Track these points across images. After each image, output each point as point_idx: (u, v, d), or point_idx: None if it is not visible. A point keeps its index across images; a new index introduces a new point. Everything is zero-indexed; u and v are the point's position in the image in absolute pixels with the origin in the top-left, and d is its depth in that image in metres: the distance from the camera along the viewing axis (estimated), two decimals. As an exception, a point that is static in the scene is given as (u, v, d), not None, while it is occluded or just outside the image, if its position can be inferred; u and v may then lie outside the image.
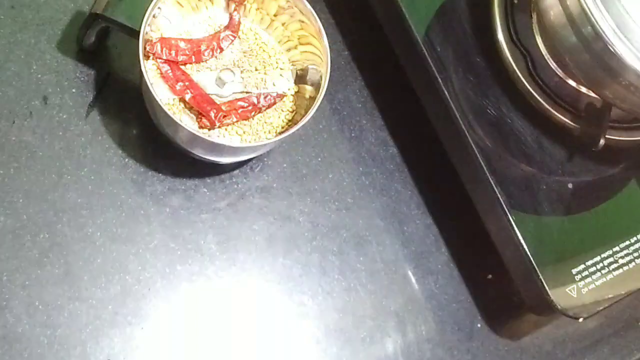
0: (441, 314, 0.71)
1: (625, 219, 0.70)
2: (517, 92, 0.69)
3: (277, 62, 0.67)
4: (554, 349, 0.73)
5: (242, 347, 0.65)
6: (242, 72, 0.65)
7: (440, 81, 0.67)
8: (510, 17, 0.69)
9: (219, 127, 0.63)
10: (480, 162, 0.66)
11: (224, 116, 0.62)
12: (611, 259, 0.67)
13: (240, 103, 0.64)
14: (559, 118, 0.68)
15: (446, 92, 0.67)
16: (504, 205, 0.65)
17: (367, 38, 0.75)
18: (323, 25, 0.62)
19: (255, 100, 0.64)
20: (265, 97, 0.65)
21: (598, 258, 0.67)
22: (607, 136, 0.67)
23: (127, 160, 0.65)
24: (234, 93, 0.65)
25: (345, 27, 0.75)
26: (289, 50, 0.67)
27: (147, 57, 0.61)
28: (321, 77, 0.62)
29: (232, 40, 0.65)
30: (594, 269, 0.66)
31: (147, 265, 0.63)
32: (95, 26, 0.62)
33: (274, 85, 0.66)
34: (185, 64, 0.63)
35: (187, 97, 0.62)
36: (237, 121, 0.64)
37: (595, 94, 0.67)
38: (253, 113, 0.64)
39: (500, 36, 0.69)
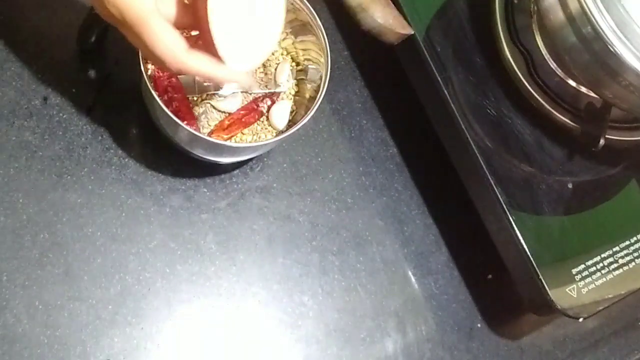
0: (441, 314, 0.71)
1: (625, 219, 0.70)
2: (517, 92, 0.69)
3: (276, 62, 0.67)
4: (554, 349, 0.73)
5: (242, 347, 0.65)
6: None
7: (440, 81, 0.67)
8: (511, 17, 0.69)
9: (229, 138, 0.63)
10: (480, 162, 0.66)
11: (224, 129, 0.63)
12: (611, 259, 0.67)
13: (241, 112, 0.64)
14: (559, 118, 0.68)
15: (446, 92, 0.67)
16: (504, 205, 0.65)
17: (367, 38, 0.75)
18: (323, 26, 0.62)
19: (254, 106, 0.65)
20: (263, 99, 0.65)
21: (598, 258, 0.67)
22: (607, 136, 0.67)
23: (127, 160, 0.65)
24: (234, 93, 0.65)
25: (345, 27, 0.75)
26: (289, 50, 0.67)
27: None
28: (321, 77, 0.62)
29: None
30: (594, 269, 0.66)
31: (147, 265, 0.64)
32: (95, 26, 0.62)
33: (274, 84, 0.66)
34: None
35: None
36: (244, 128, 0.64)
37: (595, 94, 0.67)
38: (257, 116, 0.65)
39: (500, 36, 0.69)
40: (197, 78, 0.64)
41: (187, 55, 0.46)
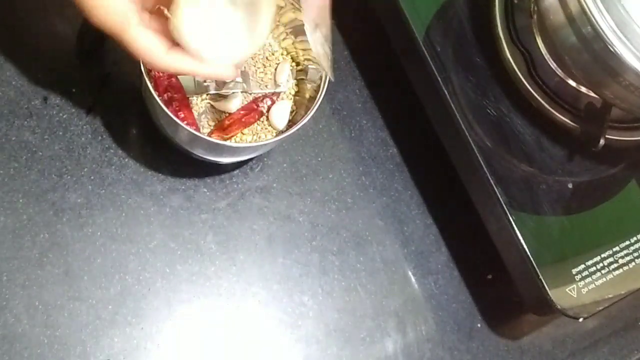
0: (441, 314, 0.71)
1: (625, 219, 0.70)
2: (517, 92, 0.69)
3: (276, 62, 0.67)
4: (554, 349, 0.73)
5: (242, 347, 0.65)
6: (242, 72, 0.65)
7: (440, 81, 0.67)
8: (511, 17, 0.69)
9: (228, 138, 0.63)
10: (480, 162, 0.66)
11: (224, 128, 0.63)
12: (611, 259, 0.67)
13: (241, 112, 0.64)
14: (559, 118, 0.68)
15: (446, 92, 0.67)
16: (504, 205, 0.65)
17: (367, 38, 0.75)
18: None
19: (254, 106, 0.65)
20: (263, 99, 0.65)
21: (598, 258, 0.67)
22: (607, 136, 0.67)
23: (127, 160, 0.65)
24: (234, 93, 0.65)
25: (346, 27, 0.75)
26: (289, 50, 0.67)
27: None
28: (321, 77, 0.62)
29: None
30: (594, 269, 0.66)
31: (147, 265, 0.64)
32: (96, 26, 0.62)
33: (274, 84, 0.66)
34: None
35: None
36: (244, 128, 0.64)
37: (595, 94, 0.67)
38: (257, 116, 0.65)
39: (500, 36, 0.69)
40: (197, 78, 0.64)
41: (166, 57, 0.50)
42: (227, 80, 0.64)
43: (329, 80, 0.61)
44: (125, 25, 0.48)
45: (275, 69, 0.67)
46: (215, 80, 0.64)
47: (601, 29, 0.58)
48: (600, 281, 0.66)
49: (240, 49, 0.54)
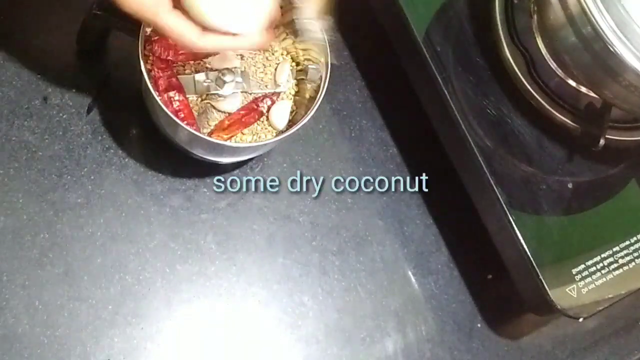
0: (441, 314, 0.71)
1: (625, 219, 0.70)
2: (517, 92, 0.69)
3: (276, 62, 0.67)
4: (553, 349, 0.73)
5: (242, 347, 0.65)
6: (242, 72, 0.65)
7: (440, 81, 0.67)
8: (511, 17, 0.69)
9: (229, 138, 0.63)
10: (480, 162, 0.66)
11: (224, 128, 0.63)
12: (611, 259, 0.67)
13: (241, 112, 0.64)
14: (559, 118, 0.68)
15: (446, 92, 0.67)
16: (504, 205, 0.65)
17: (367, 38, 0.75)
18: (323, 25, 0.62)
19: (254, 106, 0.65)
20: (263, 99, 0.65)
21: (598, 258, 0.67)
22: (607, 136, 0.67)
23: (127, 160, 0.65)
24: (234, 93, 0.65)
25: (346, 27, 0.75)
26: (289, 50, 0.67)
27: (146, 57, 0.61)
28: (321, 77, 0.62)
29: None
30: (594, 269, 0.66)
31: (147, 265, 0.64)
32: (96, 26, 0.62)
33: (274, 84, 0.66)
34: (184, 63, 0.63)
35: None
36: (244, 128, 0.64)
37: (595, 94, 0.67)
38: (257, 116, 0.65)
39: (501, 36, 0.69)
40: (196, 78, 0.64)
41: (200, 39, 0.52)
42: (263, 48, 0.63)
43: (329, 80, 0.61)
44: (158, 13, 0.50)
45: (275, 69, 0.67)
46: (216, 80, 0.64)
47: (601, 29, 0.58)
48: (600, 281, 0.66)
49: (260, 10, 0.55)
